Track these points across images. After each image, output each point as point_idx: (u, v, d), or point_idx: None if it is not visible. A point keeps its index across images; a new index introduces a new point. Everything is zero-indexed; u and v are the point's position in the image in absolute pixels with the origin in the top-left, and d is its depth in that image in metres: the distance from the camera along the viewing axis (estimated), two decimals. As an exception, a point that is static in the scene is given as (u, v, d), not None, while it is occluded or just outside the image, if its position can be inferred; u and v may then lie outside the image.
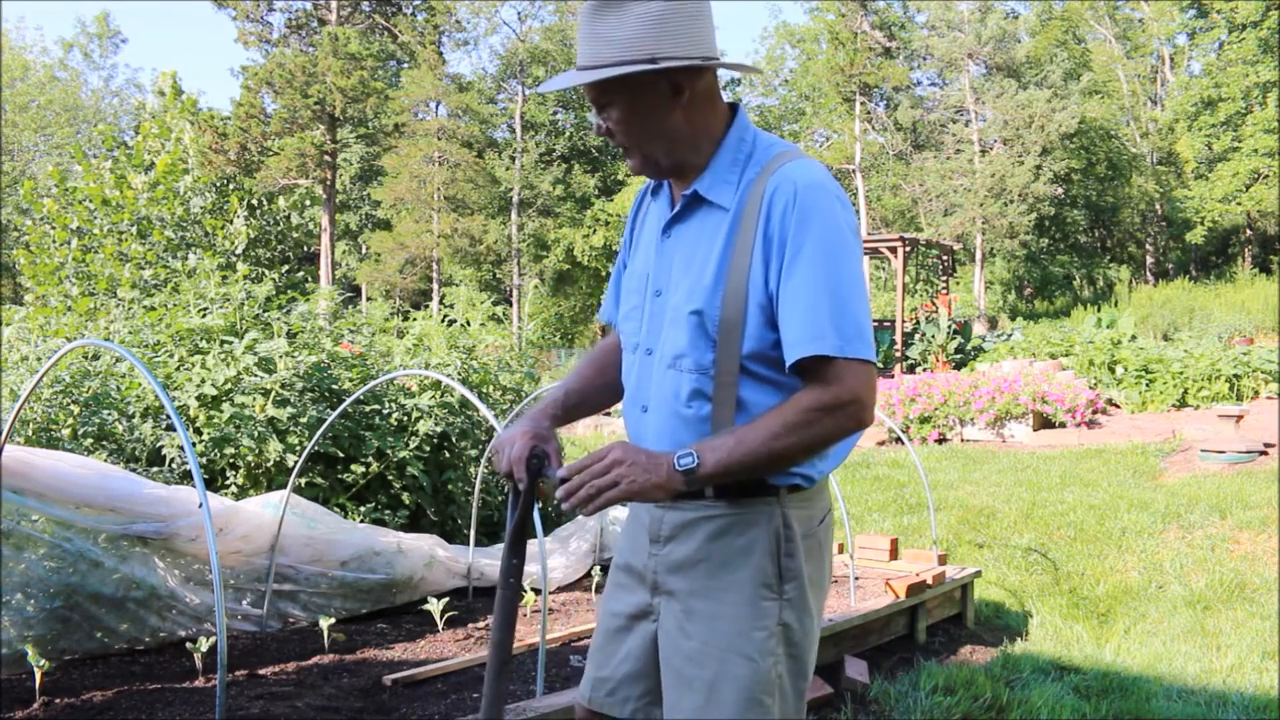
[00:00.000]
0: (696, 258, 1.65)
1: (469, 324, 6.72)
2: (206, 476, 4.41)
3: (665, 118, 1.63)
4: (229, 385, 4.55)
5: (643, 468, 1.50)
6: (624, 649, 1.77)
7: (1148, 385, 11.57)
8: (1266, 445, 8.55)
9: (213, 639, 3.32)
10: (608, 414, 13.49)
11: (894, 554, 5.08)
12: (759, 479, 1.63)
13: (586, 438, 11.63)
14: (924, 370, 15.21)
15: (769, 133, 1.76)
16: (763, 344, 1.59)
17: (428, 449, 5.02)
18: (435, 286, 29.77)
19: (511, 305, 29.62)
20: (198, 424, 4.40)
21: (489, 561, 4.69)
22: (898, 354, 16.49)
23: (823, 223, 1.56)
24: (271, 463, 4.44)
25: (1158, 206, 34.22)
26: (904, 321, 16.80)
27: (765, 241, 1.58)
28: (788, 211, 1.56)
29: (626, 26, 1.57)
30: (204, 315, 5.18)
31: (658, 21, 1.57)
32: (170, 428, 4.41)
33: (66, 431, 4.28)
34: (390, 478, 4.86)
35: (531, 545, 4.90)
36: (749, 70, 1.81)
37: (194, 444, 4.33)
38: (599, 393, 1.94)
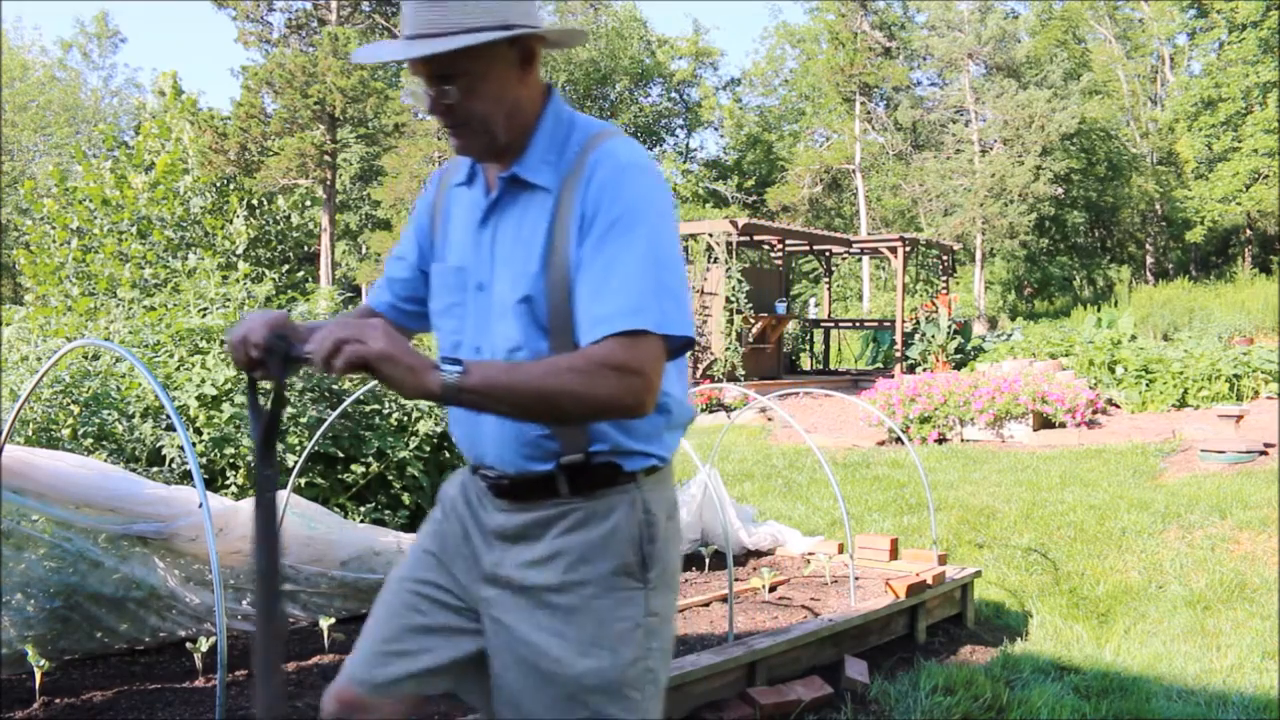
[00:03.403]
0: (520, 244, 1.55)
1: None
2: (206, 476, 4.41)
3: (510, 91, 1.54)
4: (229, 385, 4.55)
5: (397, 356, 1.34)
6: (428, 643, 1.66)
7: (1148, 385, 11.57)
8: (1266, 445, 8.55)
9: (213, 639, 3.32)
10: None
11: (894, 554, 5.08)
12: (609, 463, 1.56)
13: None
14: (924, 370, 15.22)
15: (581, 113, 1.65)
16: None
17: (428, 449, 5.02)
18: (435, 286, 29.75)
19: (511, 305, 29.52)
20: (198, 424, 4.41)
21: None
22: (898, 354, 16.50)
23: (641, 198, 1.49)
24: (271, 463, 4.43)
25: (1158, 206, 34.22)
26: (904, 321, 16.81)
27: (582, 220, 1.49)
28: (604, 188, 1.49)
29: None
30: (204, 315, 5.18)
31: None
32: (170, 428, 4.41)
33: (66, 431, 4.28)
34: (390, 478, 4.86)
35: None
36: (576, 36, 1.70)
37: (194, 444, 4.33)
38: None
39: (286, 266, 19.20)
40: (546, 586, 1.57)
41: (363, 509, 4.68)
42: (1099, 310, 22.42)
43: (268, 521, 1.50)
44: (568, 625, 1.55)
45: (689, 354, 1.62)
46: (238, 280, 5.53)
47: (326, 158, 27.02)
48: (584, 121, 1.61)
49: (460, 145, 1.59)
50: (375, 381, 4.42)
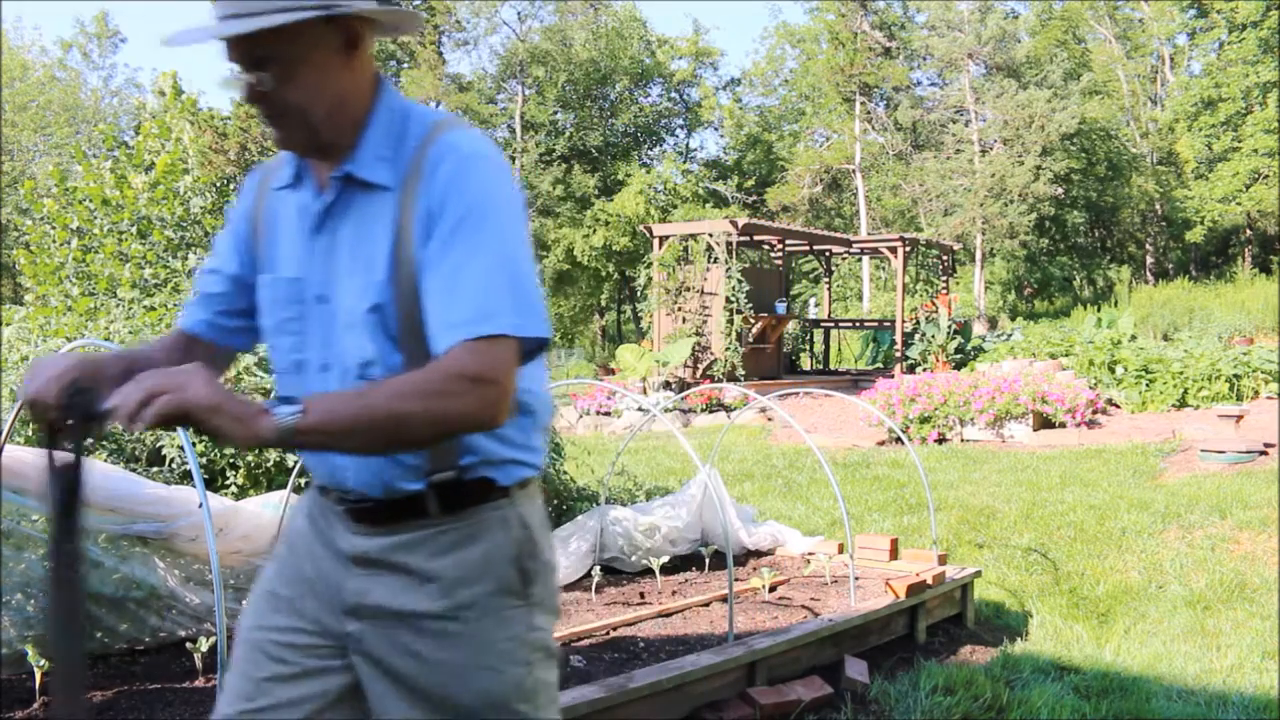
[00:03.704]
0: (363, 250, 1.42)
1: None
2: (206, 476, 4.41)
3: (333, 78, 1.40)
4: (229, 385, 4.55)
5: (232, 412, 1.21)
6: (296, 692, 1.52)
7: (1148, 385, 11.58)
8: (1266, 445, 8.55)
9: (213, 639, 3.32)
10: (607, 413, 13.48)
11: (894, 554, 5.08)
12: (482, 479, 1.47)
13: (586, 438, 11.60)
14: (924, 370, 15.22)
15: (417, 103, 1.54)
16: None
17: (428, 449, 5.02)
18: (435, 286, 29.76)
19: (511, 305, 29.53)
20: (198, 424, 4.40)
21: (489, 561, 4.70)
22: (898, 354, 16.51)
23: (488, 193, 1.38)
24: (271, 463, 4.44)
25: (1158, 206, 34.23)
26: (904, 321, 16.81)
27: (428, 218, 1.37)
28: (449, 183, 1.37)
29: None
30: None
31: None
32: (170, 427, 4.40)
33: (66, 431, 4.28)
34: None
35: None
36: (409, 19, 1.53)
37: (194, 444, 4.33)
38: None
39: (286, 266, 19.18)
40: (423, 613, 1.46)
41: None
42: (1099, 310, 22.42)
43: (70, 605, 1.33)
44: (449, 651, 1.46)
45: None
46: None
47: (326, 158, 27.04)
48: (420, 112, 1.49)
49: (280, 138, 1.45)
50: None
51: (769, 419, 12.52)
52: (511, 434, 1.49)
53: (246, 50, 1.37)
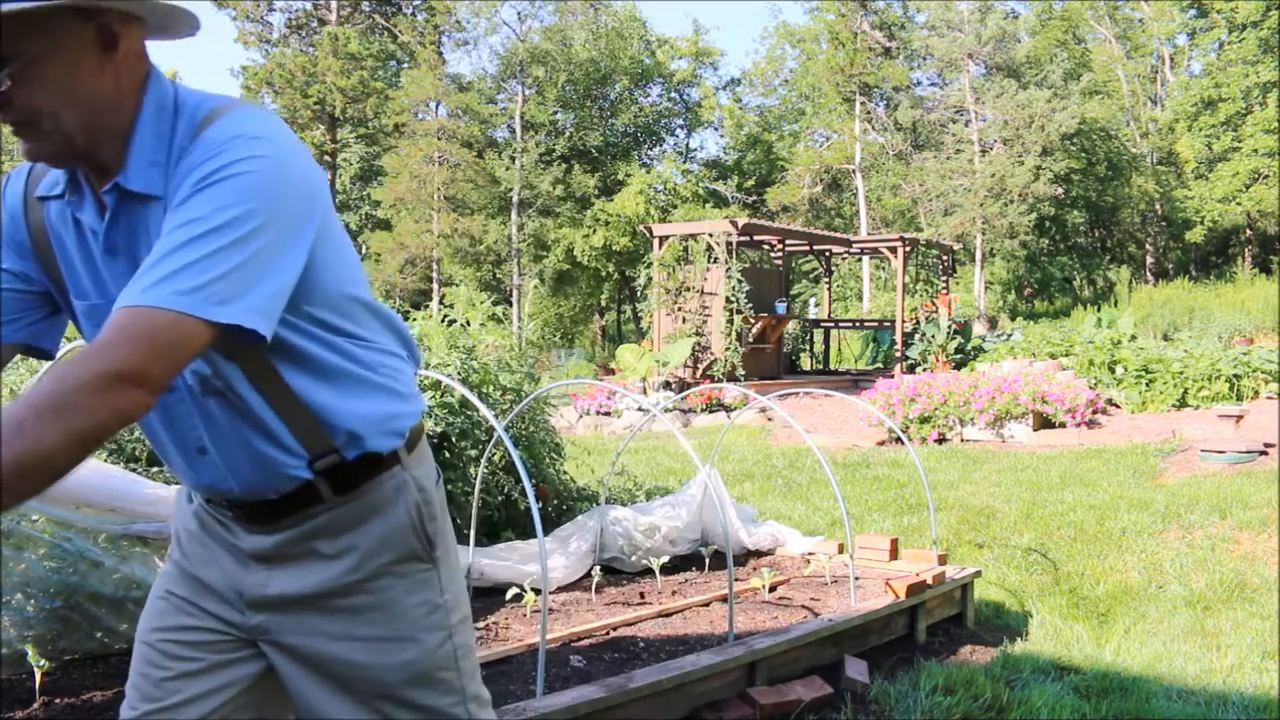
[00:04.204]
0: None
1: (469, 324, 6.71)
2: (206, 476, 4.41)
3: (89, 79, 1.23)
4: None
5: None
6: (205, 685, 1.48)
7: (1148, 385, 11.58)
8: (1266, 445, 8.55)
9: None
10: (607, 413, 13.49)
11: (894, 554, 5.08)
12: (365, 454, 1.41)
13: (586, 438, 11.60)
14: (924, 370, 15.23)
15: (194, 90, 1.37)
16: (282, 328, 1.32)
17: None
18: (435, 286, 29.79)
19: (511, 305, 29.63)
20: (198, 424, 4.40)
21: (488, 561, 4.69)
22: (898, 354, 16.51)
23: (227, 173, 1.20)
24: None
25: (1158, 206, 34.25)
26: (904, 321, 16.82)
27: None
28: (198, 166, 1.21)
29: None
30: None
31: None
32: (170, 428, 4.41)
33: (66, 431, 4.28)
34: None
35: (531, 545, 4.89)
36: (179, 17, 1.33)
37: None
38: None
39: (286, 266, 19.19)
40: (331, 592, 1.44)
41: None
42: (1099, 310, 22.43)
43: None
44: (363, 626, 1.45)
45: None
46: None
47: (326, 158, 27.04)
48: (194, 101, 1.32)
49: (29, 149, 1.27)
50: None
51: (769, 419, 12.53)
52: (359, 390, 1.42)
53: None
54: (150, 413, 1.36)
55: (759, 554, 5.50)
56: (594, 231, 31.35)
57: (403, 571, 1.46)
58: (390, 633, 1.45)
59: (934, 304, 17.32)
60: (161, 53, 78.15)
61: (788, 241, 17.69)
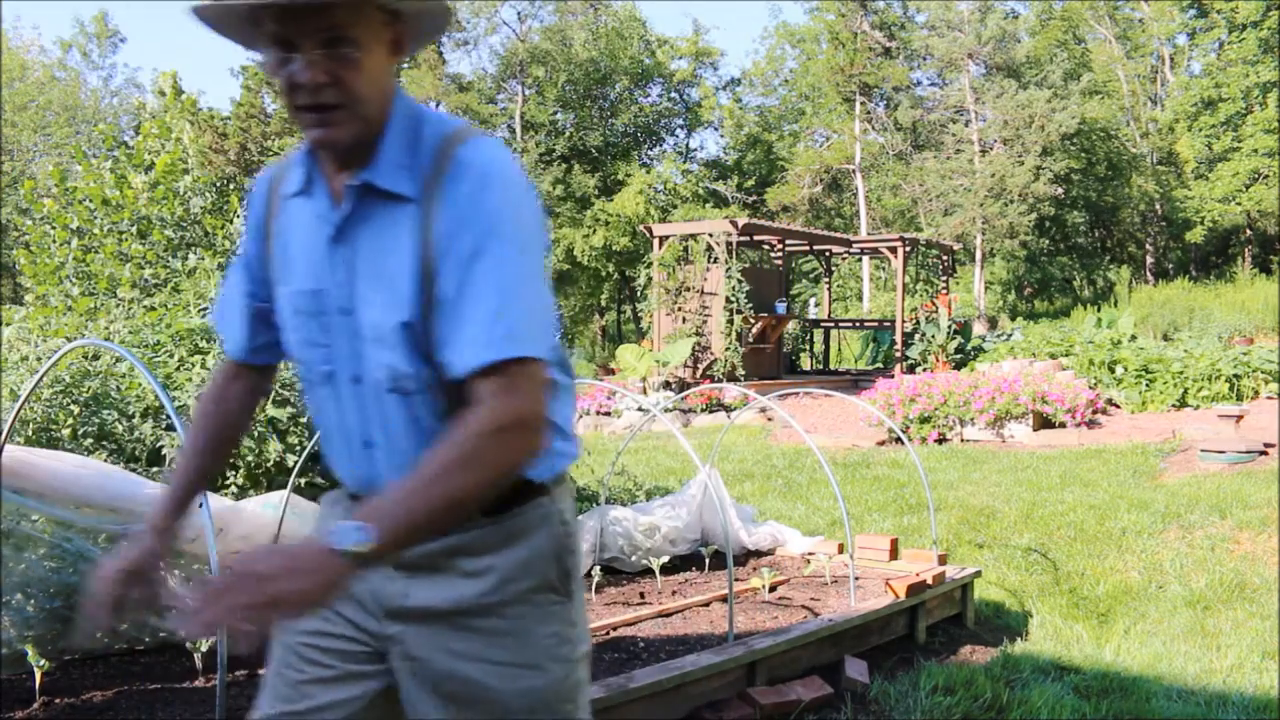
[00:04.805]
0: (386, 262, 1.38)
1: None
2: (206, 476, 4.40)
3: (384, 77, 1.36)
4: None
5: (296, 571, 1.19)
6: (332, 695, 1.52)
7: (1148, 385, 11.58)
8: (1266, 445, 8.55)
9: (213, 639, 3.32)
10: (607, 413, 13.46)
11: (894, 554, 5.08)
12: (520, 480, 1.45)
13: (586, 438, 11.60)
14: (924, 370, 15.22)
15: (430, 108, 1.52)
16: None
17: (428, 449, 5.01)
18: (435, 286, 29.75)
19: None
20: (198, 424, 4.40)
21: (489, 561, 4.70)
22: (898, 354, 16.51)
23: (506, 215, 1.35)
24: (271, 463, 4.44)
25: (1158, 206, 34.23)
26: (904, 321, 16.81)
27: (446, 238, 1.34)
28: (468, 203, 1.33)
29: None
30: (204, 315, 5.18)
31: None
32: (170, 428, 4.41)
33: (66, 431, 4.28)
34: (390, 478, 4.85)
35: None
36: (434, 30, 1.46)
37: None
38: (221, 452, 1.69)
39: (286, 266, 19.17)
40: (467, 610, 1.46)
41: (363, 509, 4.68)
42: (1099, 310, 22.42)
43: None
44: (494, 649, 1.46)
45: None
46: (238, 280, 5.51)
47: (326, 158, 27.04)
48: (433, 118, 1.44)
49: (325, 134, 1.35)
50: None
51: (769, 419, 12.52)
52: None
53: (314, 25, 1.27)
54: (328, 401, 1.49)
55: (759, 554, 5.50)
56: (594, 231, 31.34)
57: (537, 600, 1.48)
58: (519, 659, 1.46)
59: (934, 304, 17.32)
60: (162, 54, 78.05)
61: (788, 241, 17.68)
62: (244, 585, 1.19)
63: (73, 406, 4.36)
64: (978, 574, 5.09)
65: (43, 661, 3.08)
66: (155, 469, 4.32)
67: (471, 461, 1.27)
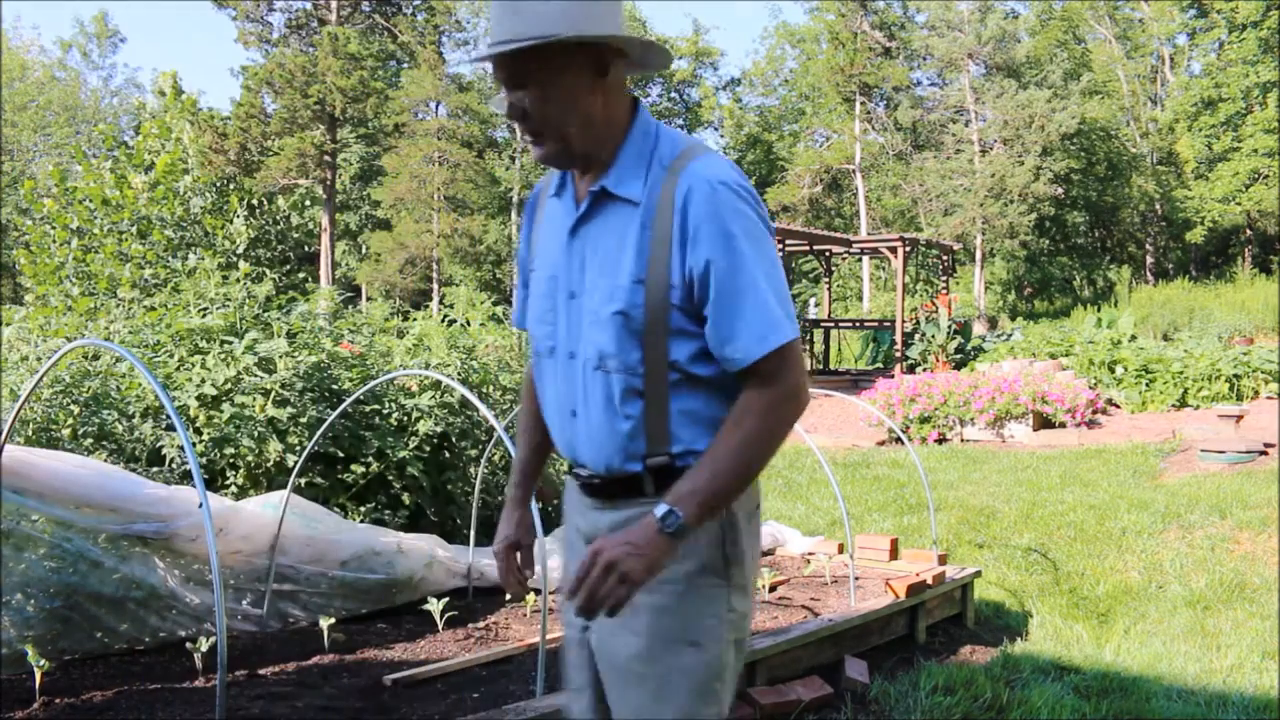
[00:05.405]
0: (610, 257, 1.60)
1: (469, 324, 6.72)
2: (206, 476, 4.41)
3: (585, 99, 1.58)
4: (229, 385, 4.54)
5: (637, 552, 1.48)
6: (576, 659, 1.78)
7: (1148, 385, 11.58)
8: (1266, 445, 8.55)
9: (213, 639, 3.33)
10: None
11: (894, 554, 5.08)
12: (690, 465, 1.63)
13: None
14: (924, 370, 15.21)
15: (668, 126, 1.72)
16: (687, 344, 1.59)
17: (428, 449, 5.01)
18: (435, 286, 29.78)
19: (511, 305, 29.60)
20: (198, 424, 4.40)
21: (489, 562, 4.69)
22: (898, 354, 16.50)
23: (743, 221, 1.56)
24: (271, 463, 4.44)
25: (1158, 206, 34.22)
26: (904, 321, 16.80)
27: (682, 243, 1.55)
28: (705, 212, 1.54)
29: None
30: (204, 315, 5.18)
31: None
32: (170, 428, 4.41)
33: (66, 431, 4.28)
34: (390, 478, 4.86)
35: (531, 545, 4.88)
36: (655, 53, 1.68)
37: (194, 444, 4.33)
38: (543, 428, 1.89)
39: (286, 266, 19.20)
40: None
41: (363, 509, 4.68)
42: (1099, 310, 22.42)
43: None
44: (656, 622, 1.60)
45: None
46: (238, 280, 5.52)
47: (326, 158, 27.02)
48: (669, 136, 1.65)
49: (538, 153, 1.63)
50: (375, 382, 4.43)
51: (769, 419, 12.51)
52: (718, 421, 1.62)
53: (513, 72, 1.57)
54: (549, 373, 1.73)
55: (759, 554, 5.50)
56: (594, 231, 31.30)
57: (699, 583, 1.62)
58: (681, 635, 1.61)
59: (934, 304, 17.31)
60: (162, 54, 78.03)
61: (788, 241, 17.67)
62: (599, 573, 1.47)
63: (73, 406, 4.36)
64: (978, 574, 5.09)
65: (43, 661, 3.08)
66: (155, 469, 4.32)
67: (765, 434, 1.54)
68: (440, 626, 4.00)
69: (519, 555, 1.87)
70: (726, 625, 1.63)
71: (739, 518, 1.65)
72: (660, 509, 1.49)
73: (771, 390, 1.55)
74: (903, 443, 9.87)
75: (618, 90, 1.63)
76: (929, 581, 4.55)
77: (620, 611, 1.48)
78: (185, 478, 4.25)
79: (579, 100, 1.58)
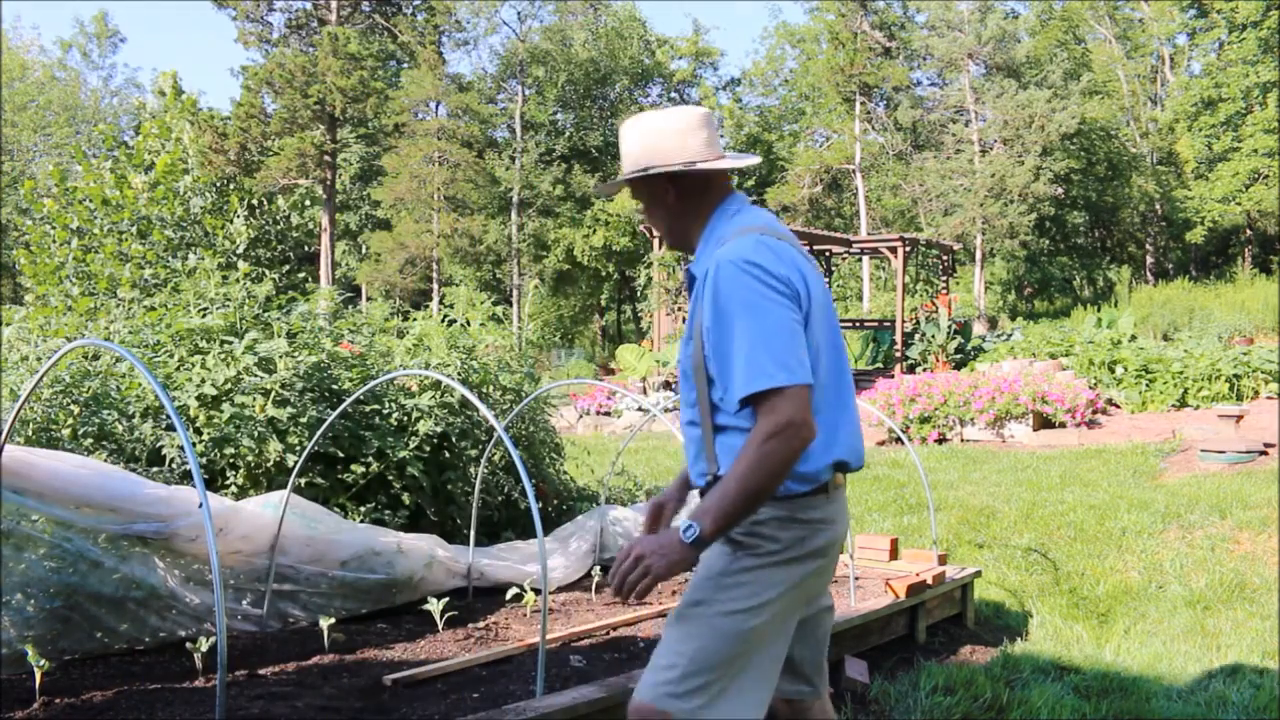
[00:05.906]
0: (689, 326, 2.10)
1: (469, 324, 6.71)
2: (206, 476, 4.41)
3: (662, 208, 2.19)
4: (229, 385, 4.54)
5: (661, 553, 1.86)
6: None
7: (1148, 385, 11.58)
8: (1266, 445, 8.55)
9: (213, 639, 3.32)
10: (607, 413, 13.51)
11: (894, 554, 5.08)
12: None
13: (586, 438, 11.64)
14: (924, 370, 15.22)
15: (752, 210, 2.16)
16: (718, 388, 1.99)
17: (428, 449, 5.01)
18: (435, 286, 29.77)
19: (511, 305, 29.62)
20: (198, 424, 4.40)
21: (489, 561, 4.69)
22: (898, 354, 16.50)
23: (742, 293, 1.94)
24: (271, 463, 4.43)
25: (1158, 206, 34.22)
26: (904, 321, 16.81)
27: (703, 311, 2.01)
28: (712, 287, 1.98)
29: (630, 143, 2.17)
30: (204, 315, 5.17)
31: (647, 137, 2.14)
32: (170, 428, 4.41)
33: (66, 431, 4.28)
34: (390, 478, 4.86)
35: (531, 545, 4.89)
36: (739, 164, 2.17)
37: (194, 444, 4.33)
38: None
39: (286, 266, 19.18)
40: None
41: (363, 509, 4.68)
42: (1099, 310, 22.42)
43: None
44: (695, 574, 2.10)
45: None
46: (238, 280, 5.51)
47: (326, 158, 27.00)
48: (734, 222, 2.10)
49: (666, 245, 2.24)
50: (375, 382, 4.43)
51: (769, 419, 12.51)
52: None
53: (631, 194, 2.23)
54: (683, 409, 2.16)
55: (759, 554, 5.49)
56: (594, 231, 31.33)
57: (720, 549, 2.04)
58: (698, 580, 2.04)
59: (934, 304, 17.31)
60: (162, 54, 78.04)
61: (788, 241, 17.65)
62: (630, 562, 1.88)
63: (73, 406, 4.36)
64: (978, 574, 5.09)
65: (43, 661, 3.08)
66: (155, 469, 4.32)
67: (755, 463, 1.85)
68: (440, 626, 4.00)
69: (664, 511, 2.25)
70: (732, 577, 2.02)
71: (760, 518, 1.99)
72: (684, 522, 1.86)
73: (761, 426, 1.87)
74: (903, 443, 9.87)
75: (698, 192, 2.15)
76: (929, 581, 4.55)
77: (636, 600, 1.86)
78: (185, 478, 4.25)
79: (659, 209, 2.19)
